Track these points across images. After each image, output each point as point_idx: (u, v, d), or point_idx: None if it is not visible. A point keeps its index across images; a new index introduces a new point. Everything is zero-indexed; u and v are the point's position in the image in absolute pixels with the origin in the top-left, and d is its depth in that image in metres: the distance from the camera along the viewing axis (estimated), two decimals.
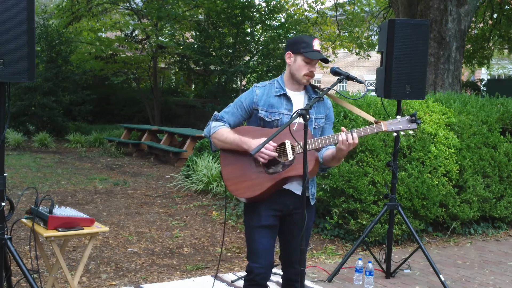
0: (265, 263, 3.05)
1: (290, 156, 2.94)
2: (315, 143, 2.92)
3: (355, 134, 2.90)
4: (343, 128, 2.93)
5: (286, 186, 3.01)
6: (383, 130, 3.01)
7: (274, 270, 3.28)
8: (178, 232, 6.12)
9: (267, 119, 3.04)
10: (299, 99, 3.08)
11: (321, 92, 3.01)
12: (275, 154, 2.89)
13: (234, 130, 3.06)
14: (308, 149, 2.84)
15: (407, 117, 3.03)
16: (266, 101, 3.05)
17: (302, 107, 2.99)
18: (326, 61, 3.07)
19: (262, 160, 2.89)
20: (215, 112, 3.17)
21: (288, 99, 3.06)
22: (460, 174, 6.21)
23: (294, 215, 3.05)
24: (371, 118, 3.15)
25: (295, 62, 3.03)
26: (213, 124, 3.08)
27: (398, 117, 3.06)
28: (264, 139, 2.84)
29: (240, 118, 3.11)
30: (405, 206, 5.65)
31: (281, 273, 3.27)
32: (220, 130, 3.03)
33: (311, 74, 3.05)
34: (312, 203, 3.16)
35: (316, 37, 3.11)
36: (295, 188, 3.03)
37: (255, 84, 3.18)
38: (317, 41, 3.04)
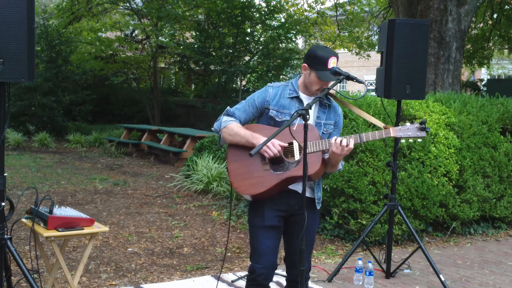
0: (268, 264, 3.05)
1: (297, 157, 2.94)
2: (318, 146, 2.93)
3: (351, 140, 2.89)
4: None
5: (291, 187, 3.02)
6: (392, 136, 3.03)
7: (276, 271, 3.27)
8: (178, 232, 6.12)
9: (277, 119, 3.05)
10: None
11: (323, 93, 3.01)
12: (277, 150, 2.89)
13: (245, 127, 3.07)
14: (314, 150, 2.86)
15: (417, 125, 3.04)
16: (278, 102, 3.07)
17: (313, 110, 3.04)
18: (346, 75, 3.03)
19: (265, 155, 2.90)
20: (228, 107, 3.19)
21: (300, 101, 3.08)
22: (460, 174, 6.21)
23: (298, 216, 3.04)
24: (380, 124, 3.17)
25: (309, 76, 3.04)
26: (224, 118, 3.10)
27: (408, 124, 3.06)
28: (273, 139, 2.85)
29: (251, 116, 3.13)
30: (405, 206, 5.65)
31: (285, 274, 3.27)
32: (231, 125, 3.04)
33: (323, 89, 3.05)
34: (318, 207, 3.16)
35: (335, 53, 3.00)
36: (301, 188, 3.03)
37: (269, 83, 3.20)
38: (334, 59, 2.97)
